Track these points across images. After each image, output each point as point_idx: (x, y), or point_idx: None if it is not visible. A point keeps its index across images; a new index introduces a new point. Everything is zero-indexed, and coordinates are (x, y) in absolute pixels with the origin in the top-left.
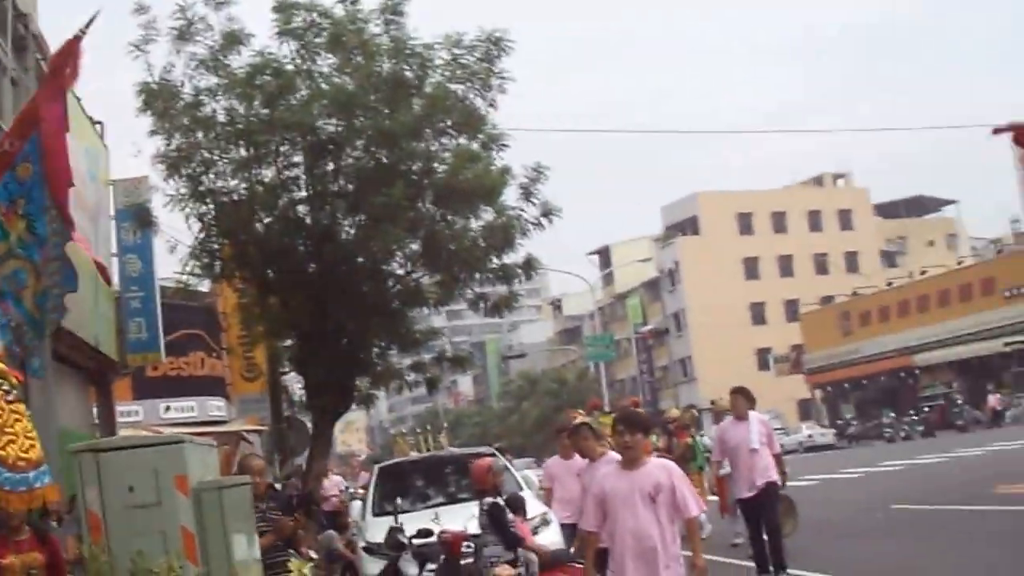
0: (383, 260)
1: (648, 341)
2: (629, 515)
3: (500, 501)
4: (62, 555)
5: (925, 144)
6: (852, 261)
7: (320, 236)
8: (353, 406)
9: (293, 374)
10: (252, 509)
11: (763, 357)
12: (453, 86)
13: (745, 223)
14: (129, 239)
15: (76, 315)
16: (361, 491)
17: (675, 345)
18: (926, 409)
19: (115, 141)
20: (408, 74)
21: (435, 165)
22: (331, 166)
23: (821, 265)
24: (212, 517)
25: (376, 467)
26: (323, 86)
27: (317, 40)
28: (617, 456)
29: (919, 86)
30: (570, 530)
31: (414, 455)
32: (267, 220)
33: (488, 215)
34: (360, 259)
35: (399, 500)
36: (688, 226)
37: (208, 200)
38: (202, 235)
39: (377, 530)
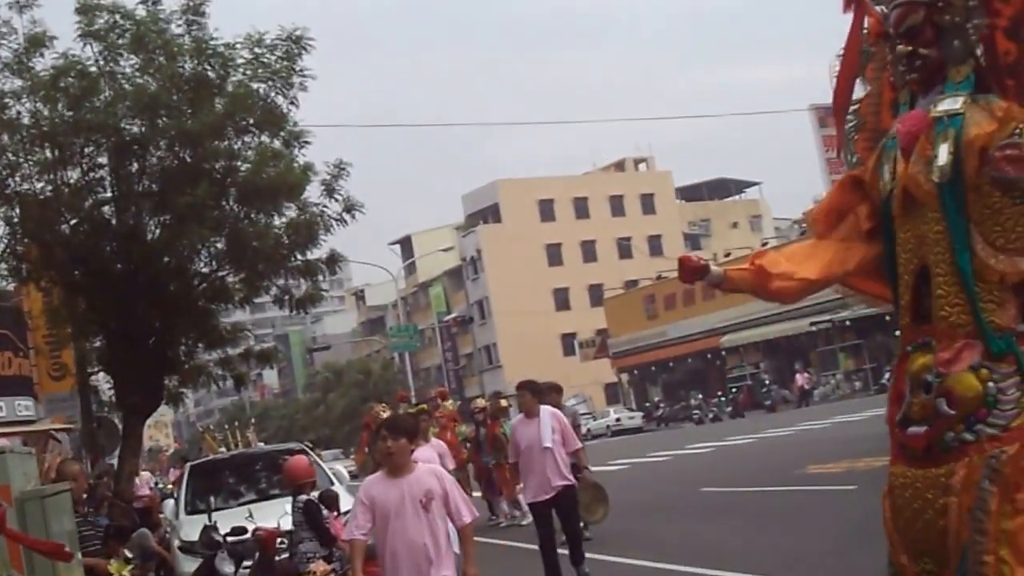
0: (189, 259)
1: (452, 329)
2: (400, 525)
3: (315, 498)
4: None
5: (729, 126)
6: (656, 245)
7: (126, 237)
8: (162, 405)
9: (102, 374)
10: (73, 514)
11: (568, 342)
12: (255, 85)
13: (547, 209)
14: None
15: None
16: (172, 486)
17: (479, 333)
18: (734, 390)
19: None
20: (210, 74)
21: (238, 164)
22: (136, 167)
23: (624, 249)
24: (36, 525)
25: (188, 465)
26: (126, 87)
27: (120, 41)
28: (439, 443)
29: (723, 69)
30: None
31: (223, 451)
32: (73, 222)
33: (291, 212)
34: (166, 259)
35: (212, 498)
36: (490, 214)
37: (14, 202)
38: (8, 237)
39: (191, 528)
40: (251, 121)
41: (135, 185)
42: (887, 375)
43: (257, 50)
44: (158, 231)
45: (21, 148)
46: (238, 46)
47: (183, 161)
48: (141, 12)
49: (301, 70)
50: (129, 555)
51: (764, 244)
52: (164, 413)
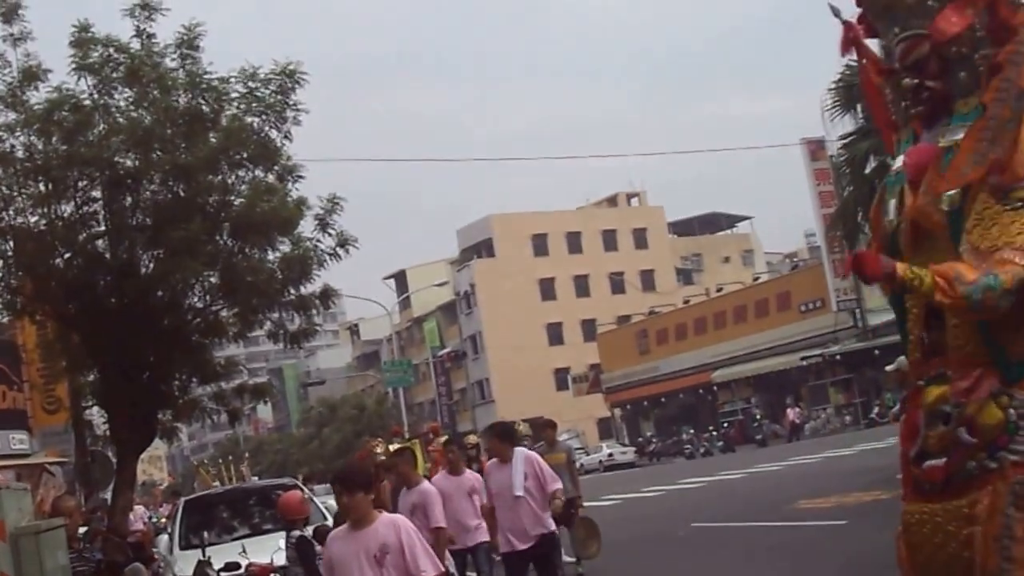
0: (183, 293)
1: (446, 364)
2: None
3: (308, 534)
4: None
5: (721, 160)
6: (648, 280)
7: (120, 271)
8: (156, 439)
9: (96, 408)
10: (67, 550)
11: (561, 377)
12: (248, 119)
13: (540, 244)
14: None
15: None
16: (165, 520)
17: (473, 368)
18: (725, 425)
19: None
20: (204, 108)
21: (232, 198)
22: (129, 200)
23: (617, 284)
24: (30, 560)
25: (182, 500)
26: (120, 120)
27: (114, 75)
28: (426, 489)
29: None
30: None
31: (217, 486)
32: (67, 255)
33: (285, 247)
34: (160, 293)
35: (205, 533)
36: (483, 248)
37: (8, 236)
38: (2, 271)
39: (185, 564)
40: (245, 155)
41: (129, 219)
42: (876, 409)
43: (251, 84)
44: (152, 265)
45: (15, 182)
46: (232, 80)
47: (177, 195)
48: (135, 46)
49: (295, 104)
50: None
51: (756, 279)
52: (158, 447)
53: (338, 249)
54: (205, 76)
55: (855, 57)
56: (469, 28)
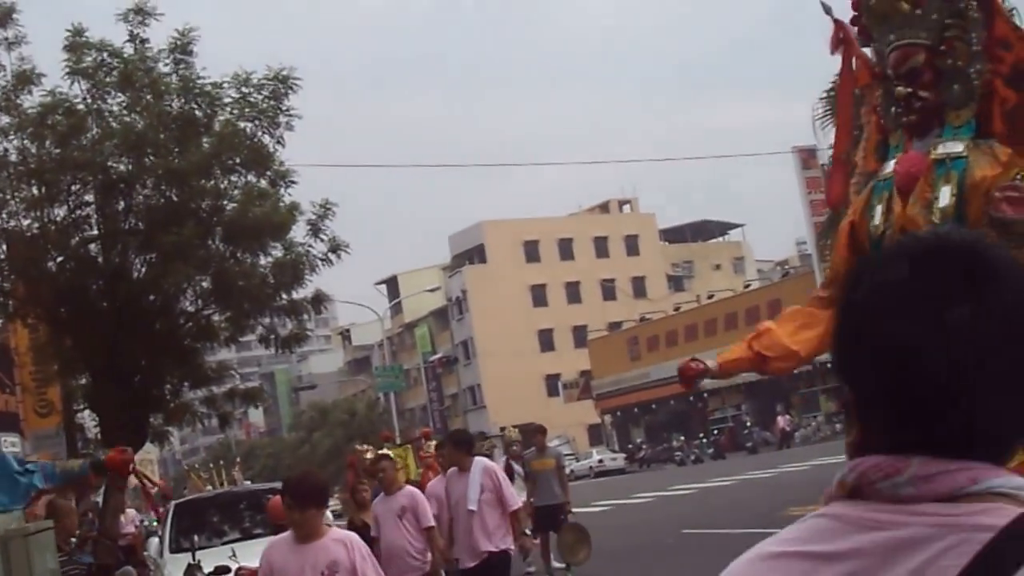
0: (174, 298)
1: (437, 370)
2: None
3: None
4: None
5: (713, 168)
6: (639, 286)
7: (112, 275)
8: (147, 443)
9: (88, 411)
10: (56, 552)
11: (552, 383)
12: (241, 124)
13: (532, 250)
14: None
15: None
16: (156, 524)
17: (464, 373)
18: (716, 432)
19: None
20: (197, 113)
21: (224, 203)
22: (122, 205)
23: (608, 291)
24: (19, 563)
25: (172, 504)
26: (113, 125)
27: (107, 79)
28: (413, 490)
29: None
30: None
31: (209, 490)
32: (59, 259)
33: (277, 252)
34: (152, 297)
35: (195, 537)
36: (475, 255)
37: (1, 239)
38: None
39: (175, 567)
40: (238, 160)
41: (121, 223)
42: None
43: (244, 89)
44: (144, 269)
45: (8, 185)
46: (225, 85)
47: (169, 200)
48: (129, 50)
49: (287, 109)
50: None
51: (747, 286)
52: (149, 451)
53: (330, 254)
54: (198, 81)
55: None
56: (463, 35)
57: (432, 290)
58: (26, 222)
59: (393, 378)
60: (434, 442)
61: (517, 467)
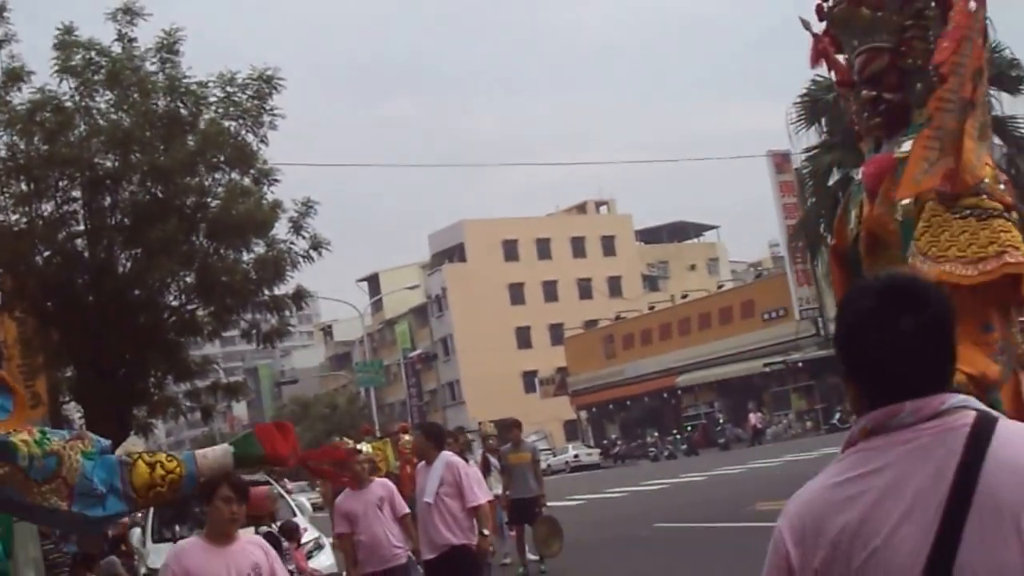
0: (159, 292)
1: (417, 366)
2: None
3: (274, 529)
4: None
5: (690, 170)
6: (615, 286)
7: (98, 269)
8: (132, 434)
9: (73, 404)
10: (39, 541)
11: (529, 380)
12: (226, 123)
13: (510, 250)
14: None
15: None
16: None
17: (443, 369)
18: (689, 428)
19: None
20: (183, 111)
21: (208, 200)
22: (108, 201)
23: (585, 290)
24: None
25: None
26: (101, 123)
27: (95, 78)
28: (385, 480)
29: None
30: None
31: None
32: (47, 254)
33: (260, 248)
34: (137, 291)
35: (177, 527)
36: (455, 253)
37: None
38: None
39: (157, 556)
40: (222, 158)
41: (107, 219)
42: (837, 415)
43: (229, 89)
44: (129, 264)
45: None
46: (210, 84)
47: (155, 196)
48: (117, 49)
49: (271, 109)
50: None
51: (720, 286)
52: (135, 443)
53: (311, 251)
54: (184, 80)
55: (824, 70)
56: (445, 37)
57: (412, 288)
58: (14, 217)
59: (373, 373)
60: (409, 435)
61: (493, 461)
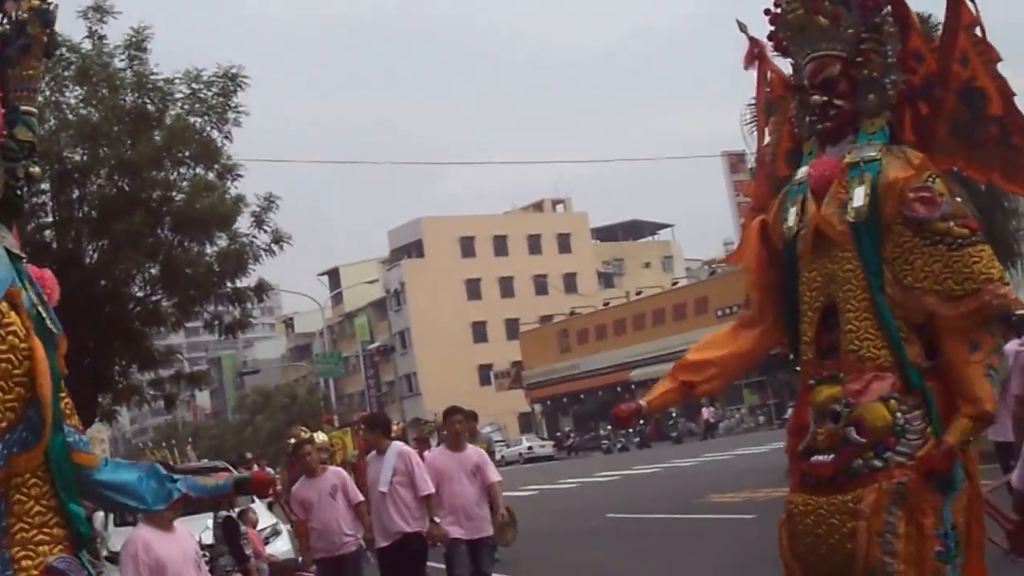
0: (124, 283)
1: (375, 358)
2: None
3: (233, 515)
4: None
5: (645, 169)
6: (570, 282)
7: (65, 260)
8: (96, 421)
9: None
10: None
11: (485, 373)
12: (192, 119)
13: (468, 246)
14: None
15: None
16: None
17: (401, 362)
18: (642, 422)
19: None
20: (150, 107)
21: (173, 194)
22: (76, 193)
23: (541, 286)
24: None
25: None
26: (70, 117)
27: (65, 73)
28: (338, 469)
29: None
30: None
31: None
32: None
33: (223, 241)
34: (103, 282)
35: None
36: (413, 249)
37: None
38: None
39: (119, 540)
40: (187, 153)
41: (75, 211)
42: (790, 410)
43: (195, 86)
44: (95, 256)
45: None
46: (177, 81)
47: (121, 190)
48: (87, 46)
49: (236, 106)
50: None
51: (674, 284)
52: (101, 430)
53: (273, 245)
54: (151, 77)
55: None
56: (409, 37)
57: (372, 282)
58: None
59: (333, 365)
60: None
61: None
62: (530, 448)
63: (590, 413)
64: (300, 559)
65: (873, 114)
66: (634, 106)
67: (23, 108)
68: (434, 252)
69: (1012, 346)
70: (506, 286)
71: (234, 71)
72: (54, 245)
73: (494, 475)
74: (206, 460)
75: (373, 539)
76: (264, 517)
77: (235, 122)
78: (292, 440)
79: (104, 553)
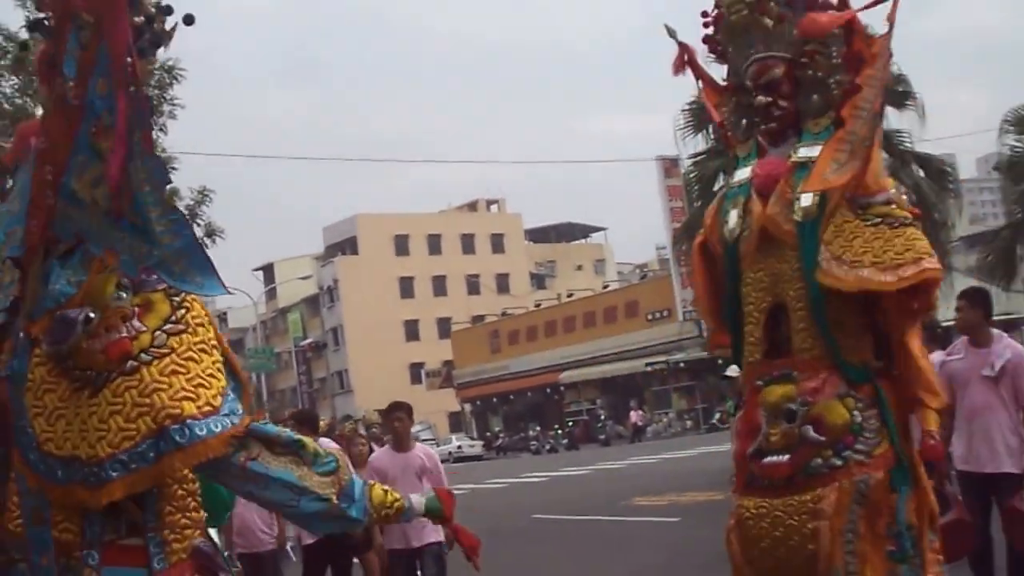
0: None
1: (308, 354)
2: None
3: None
4: None
5: (580, 172)
6: (503, 283)
7: None
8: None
9: None
10: None
11: (416, 371)
12: None
13: (402, 244)
14: None
15: None
16: None
17: (333, 358)
18: (571, 423)
19: None
20: None
21: None
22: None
23: (473, 286)
24: None
25: None
26: (5, 106)
27: (2, 62)
28: None
29: (577, 117)
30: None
31: None
32: None
33: None
34: None
35: None
36: (348, 246)
37: None
38: None
39: None
40: None
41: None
42: (717, 415)
43: None
44: None
45: None
46: None
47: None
48: (24, 35)
49: (172, 99)
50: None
51: (605, 287)
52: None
53: (206, 239)
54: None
55: (689, 77)
56: (341, 34)
57: (305, 278)
58: None
59: (265, 360)
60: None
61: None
62: (459, 447)
63: (520, 414)
64: (227, 553)
65: (818, 114)
66: (571, 108)
67: None
68: (368, 249)
69: (937, 356)
70: (439, 285)
71: (170, 63)
72: None
73: (445, 481)
74: None
75: (298, 535)
76: None
77: (170, 115)
78: None
79: None
